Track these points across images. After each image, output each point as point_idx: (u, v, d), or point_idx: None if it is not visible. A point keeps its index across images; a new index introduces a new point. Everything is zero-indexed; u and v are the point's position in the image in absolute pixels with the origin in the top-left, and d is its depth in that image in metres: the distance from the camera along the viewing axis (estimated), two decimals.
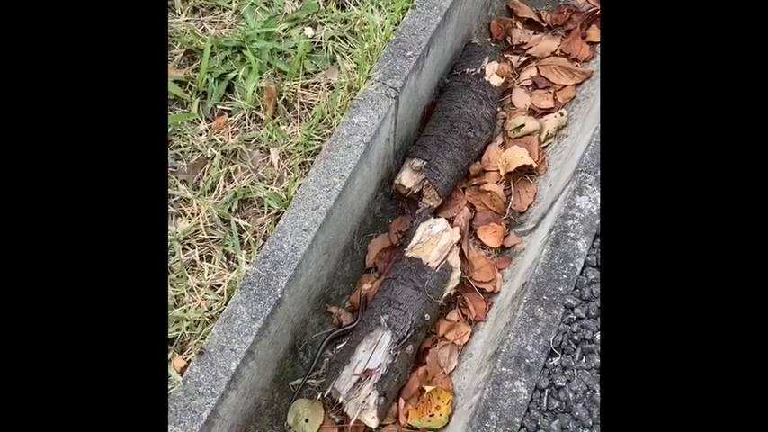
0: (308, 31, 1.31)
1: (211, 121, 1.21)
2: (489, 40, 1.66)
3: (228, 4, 1.33)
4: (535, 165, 1.46)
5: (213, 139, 1.19)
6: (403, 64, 1.22)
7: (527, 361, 0.97)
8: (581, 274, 1.04)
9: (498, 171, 1.49)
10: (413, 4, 1.28)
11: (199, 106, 1.21)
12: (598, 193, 1.10)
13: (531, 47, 1.65)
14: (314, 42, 1.29)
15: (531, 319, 1.01)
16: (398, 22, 1.30)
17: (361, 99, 1.19)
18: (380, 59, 1.22)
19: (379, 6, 1.32)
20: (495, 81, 1.50)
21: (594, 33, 1.66)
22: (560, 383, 0.95)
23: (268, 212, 1.12)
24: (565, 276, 1.03)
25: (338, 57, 1.27)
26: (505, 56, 1.65)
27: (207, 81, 1.22)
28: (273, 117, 1.22)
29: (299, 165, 1.17)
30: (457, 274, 1.30)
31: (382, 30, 1.29)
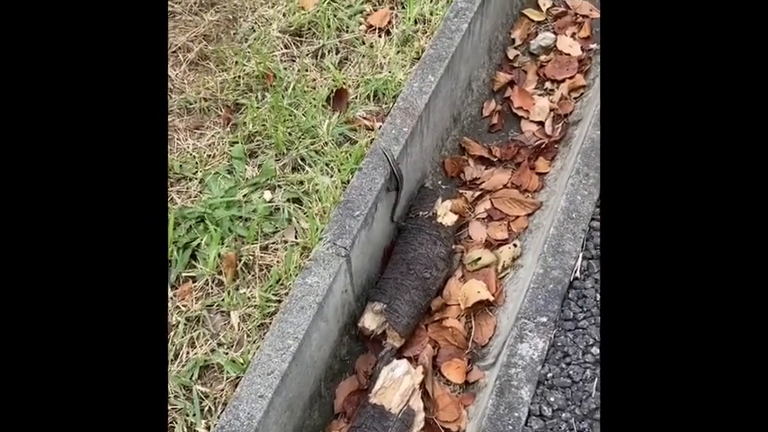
0: (267, 194, 1.42)
1: (176, 288, 1.30)
2: (444, 177, 1.78)
3: (194, 174, 1.46)
4: (492, 298, 1.52)
5: (178, 306, 1.27)
6: (351, 223, 1.32)
7: None
8: (526, 424, 1.07)
9: (459, 305, 1.55)
10: (359, 166, 1.40)
11: None
12: (538, 339, 1.16)
13: (483, 181, 1.77)
14: (272, 205, 1.40)
15: None
16: (348, 181, 1.41)
17: (314, 260, 1.28)
18: (331, 221, 1.33)
19: (331, 167, 1.44)
20: (449, 220, 1.59)
21: (542, 164, 1.78)
22: None
23: (227, 378, 1.18)
24: (510, 428, 1.07)
25: (294, 218, 1.38)
26: (460, 191, 1.76)
27: (172, 251, 1.32)
28: (234, 280, 1.30)
29: (258, 326, 1.25)
30: (420, 416, 1.33)
31: (335, 188, 1.40)
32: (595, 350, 1.13)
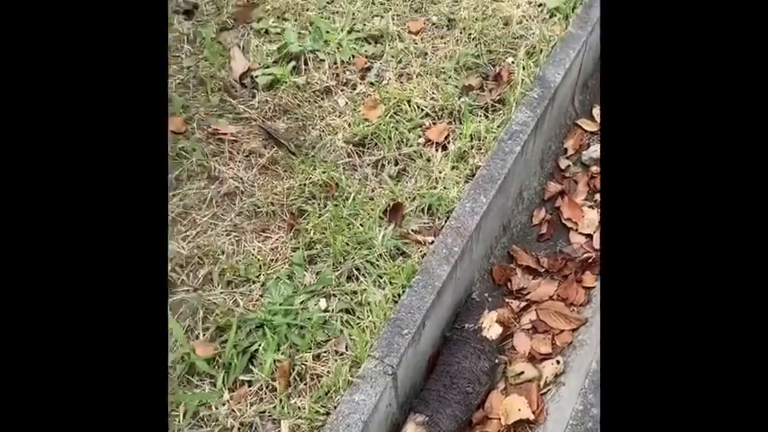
0: (322, 303, 1.52)
1: (233, 392, 1.39)
2: (491, 285, 1.83)
3: (257, 277, 1.57)
4: (533, 417, 1.55)
5: (233, 410, 1.36)
6: (399, 341, 1.39)
7: None
8: None
9: (500, 419, 1.58)
10: (410, 283, 1.48)
11: (224, 378, 1.40)
12: None
13: (530, 291, 1.81)
14: (326, 314, 1.49)
15: None
16: (399, 295, 1.49)
17: (362, 377, 1.35)
18: (380, 337, 1.40)
19: (384, 280, 1.53)
20: (494, 333, 1.64)
21: (589, 279, 1.81)
22: None
23: None
24: None
25: (345, 329, 1.46)
26: (507, 300, 1.81)
27: (232, 355, 1.42)
28: (286, 388, 1.39)
29: None
30: None
31: (386, 302, 1.48)
32: None
